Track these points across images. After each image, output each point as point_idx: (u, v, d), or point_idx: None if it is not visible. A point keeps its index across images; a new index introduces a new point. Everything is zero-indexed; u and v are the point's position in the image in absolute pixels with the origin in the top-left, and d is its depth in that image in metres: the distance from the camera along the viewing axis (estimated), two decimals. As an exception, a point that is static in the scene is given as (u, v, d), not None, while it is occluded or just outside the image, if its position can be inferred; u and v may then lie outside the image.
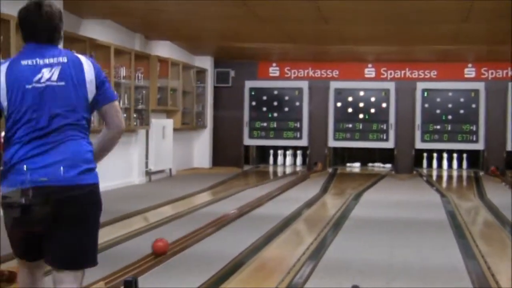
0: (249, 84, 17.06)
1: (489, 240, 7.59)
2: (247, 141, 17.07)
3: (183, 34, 13.47)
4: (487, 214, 9.69)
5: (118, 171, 12.07)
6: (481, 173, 15.78)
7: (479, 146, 16.32)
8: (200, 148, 16.69)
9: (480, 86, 16.33)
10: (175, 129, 14.46)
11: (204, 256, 6.42)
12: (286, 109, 17.01)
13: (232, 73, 17.07)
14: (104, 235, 6.46)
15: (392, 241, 7.44)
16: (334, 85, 16.82)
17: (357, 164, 17.08)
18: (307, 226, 8.56)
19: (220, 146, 16.97)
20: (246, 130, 17.05)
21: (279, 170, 16.60)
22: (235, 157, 16.85)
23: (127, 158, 12.70)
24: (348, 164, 17.12)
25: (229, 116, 17.02)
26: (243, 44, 14.42)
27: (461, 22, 11.13)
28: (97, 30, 11.25)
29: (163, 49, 14.07)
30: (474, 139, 16.35)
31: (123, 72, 11.99)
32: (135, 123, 12.64)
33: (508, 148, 16.13)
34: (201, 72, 16.34)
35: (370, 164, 17.11)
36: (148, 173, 13.52)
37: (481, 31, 12.25)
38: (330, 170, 16.24)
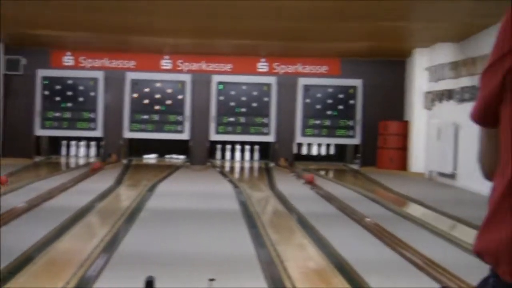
0: (41, 72, 16.47)
1: (278, 228, 7.91)
2: (39, 132, 16.48)
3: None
4: (277, 203, 10.09)
5: None
6: (272, 165, 16.40)
7: (270, 138, 16.94)
8: (-12, 138, 15.87)
9: (272, 80, 16.95)
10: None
11: (-9, 252, 6.11)
12: (81, 99, 16.63)
13: (24, 61, 16.39)
14: None
15: (187, 231, 7.53)
16: (130, 76, 16.69)
17: (154, 156, 17.09)
18: (100, 219, 8.43)
19: (10, 136, 16.25)
20: (37, 120, 16.45)
21: (72, 161, 16.20)
22: (25, 147, 16.21)
23: None
24: (144, 156, 17.07)
25: (20, 105, 16.35)
26: (36, 31, 13.88)
27: (257, 18, 11.47)
28: None
29: None
30: (266, 131, 16.95)
31: None
32: None
33: (297, 141, 16.91)
34: (-11, 58, 15.52)
35: (167, 156, 17.18)
36: None
37: (275, 28, 12.69)
38: (125, 161, 16.11)
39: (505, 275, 1.23)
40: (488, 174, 1.38)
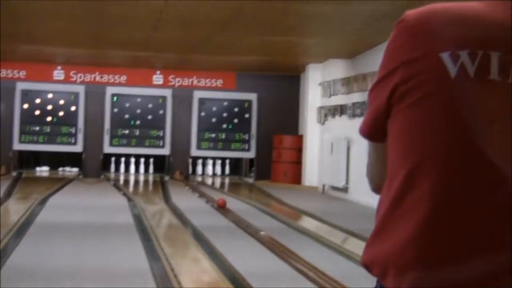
0: None
1: (173, 241, 7.86)
2: None
3: None
4: (172, 217, 10.03)
5: None
6: (167, 178, 16.29)
7: (165, 151, 16.84)
8: None
9: (167, 93, 16.87)
10: None
11: None
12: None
13: None
14: None
15: (80, 245, 7.36)
16: (20, 86, 16.22)
17: (46, 168, 16.64)
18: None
19: None
20: None
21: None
22: None
23: None
24: (37, 168, 16.60)
25: None
26: None
27: (151, 30, 11.40)
28: None
29: None
30: (161, 144, 16.83)
31: None
32: None
33: (192, 154, 16.87)
34: None
35: (60, 168, 16.76)
36: None
37: (170, 40, 12.66)
38: (14, 174, 15.61)
39: (391, 286, 1.27)
40: (376, 188, 1.42)
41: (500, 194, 1.23)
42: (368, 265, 1.33)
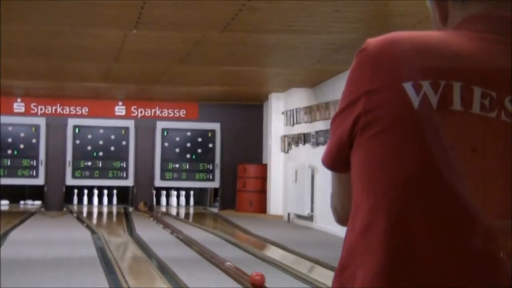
0: None
1: (137, 274, 7.76)
2: None
3: None
4: (136, 249, 9.91)
5: None
6: (131, 209, 16.13)
7: (129, 182, 16.70)
8: None
9: (130, 123, 16.78)
10: None
11: None
12: None
13: None
14: None
15: (41, 280, 7.22)
16: (-20, 119, 16.00)
17: (6, 202, 16.34)
18: None
19: None
20: None
21: None
22: None
23: None
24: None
25: None
26: None
27: (111, 61, 11.36)
28: None
29: None
30: (124, 175, 16.69)
31: None
32: None
33: (156, 184, 16.76)
34: None
35: (21, 202, 16.48)
36: None
37: (130, 71, 12.62)
38: (-26, 208, 15.33)
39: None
40: (340, 219, 1.40)
41: (464, 229, 1.21)
42: (338, 297, 1.31)
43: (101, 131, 16.71)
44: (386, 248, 1.22)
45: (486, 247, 1.21)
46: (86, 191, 16.69)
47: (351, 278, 1.27)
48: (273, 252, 10.04)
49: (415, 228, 1.22)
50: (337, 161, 1.34)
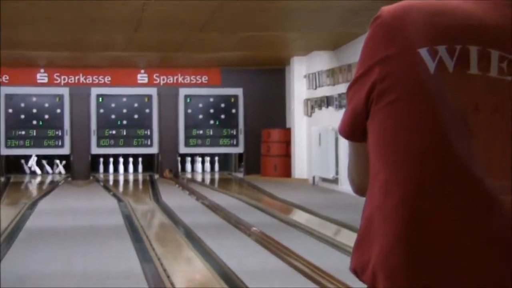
0: None
1: (164, 242, 7.83)
2: None
3: None
4: (163, 216, 9.99)
5: None
6: (156, 176, 16.24)
7: (153, 150, 16.78)
8: None
9: (152, 91, 16.81)
10: None
11: None
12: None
13: None
14: None
15: (70, 250, 7.32)
16: (4, 90, 16.11)
17: (39, 172, 16.48)
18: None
19: None
20: None
21: None
22: None
23: None
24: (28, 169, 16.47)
25: None
26: None
27: (132, 31, 11.35)
28: None
29: None
30: (149, 143, 16.77)
31: None
32: None
33: (181, 151, 16.83)
34: None
35: (49, 171, 16.62)
36: None
37: (151, 40, 12.60)
38: (2, 179, 15.52)
39: (383, 288, 1.24)
40: (357, 189, 1.39)
41: (478, 195, 1.20)
42: (356, 272, 1.31)
43: (124, 99, 16.76)
44: (402, 223, 1.22)
45: (504, 219, 1.20)
46: (111, 160, 16.80)
47: (368, 252, 1.26)
48: (299, 216, 10.07)
49: (431, 202, 1.21)
50: (354, 131, 1.33)
